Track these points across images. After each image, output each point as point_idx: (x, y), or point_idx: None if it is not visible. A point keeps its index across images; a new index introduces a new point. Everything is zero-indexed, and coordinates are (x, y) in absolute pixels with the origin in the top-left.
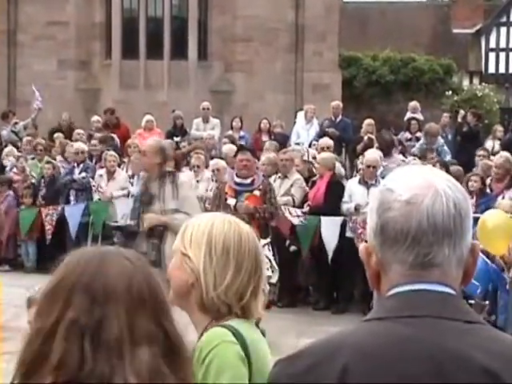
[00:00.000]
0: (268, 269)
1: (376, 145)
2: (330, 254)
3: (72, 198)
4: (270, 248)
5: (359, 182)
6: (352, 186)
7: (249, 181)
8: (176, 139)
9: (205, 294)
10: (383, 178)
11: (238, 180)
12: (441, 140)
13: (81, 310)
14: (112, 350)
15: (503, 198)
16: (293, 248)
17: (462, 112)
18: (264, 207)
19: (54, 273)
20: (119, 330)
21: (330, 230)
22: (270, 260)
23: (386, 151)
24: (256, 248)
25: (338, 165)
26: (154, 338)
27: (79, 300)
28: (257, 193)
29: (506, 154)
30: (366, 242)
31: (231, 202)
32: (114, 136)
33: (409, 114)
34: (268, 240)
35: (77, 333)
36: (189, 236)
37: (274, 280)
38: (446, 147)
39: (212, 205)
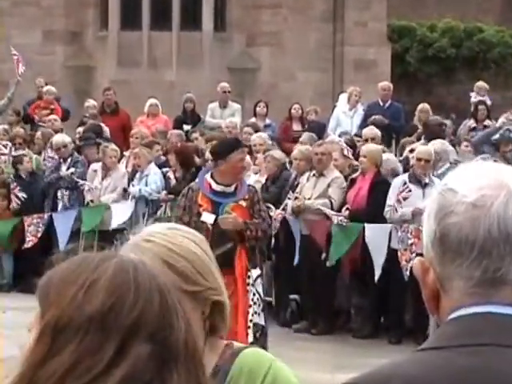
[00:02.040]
0: (257, 312)
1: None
2: (378, 271)
3: (60, 200)
4: (263, 281)
5: (410, 181)
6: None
7: (232, 189)
8: (186, 127)
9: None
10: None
11: (218, 188)
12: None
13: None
14: None
15: None
16: (330, 262)
17: None
18: (256, 222)
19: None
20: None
21: (376, 240)
22: (260, 297)
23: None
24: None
25: (392, 158)
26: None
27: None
28: (243, 203)
29: None
30: (421, 255)
31: (207, 218)
32: (103, 126)
33: (474, 97)
34: (259, 272)
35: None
36: (188, 267)
37: (262, 321)
38: None
39: (179, 219)
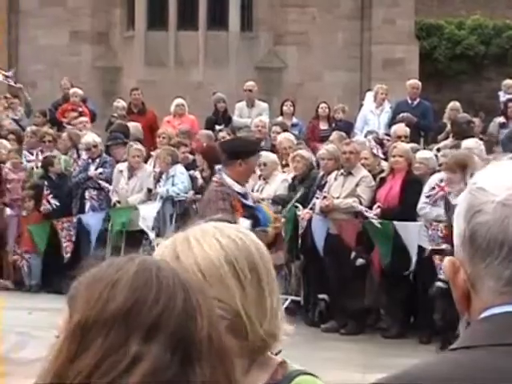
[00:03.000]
0: None
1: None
2: (412, 267)
3: (88, 201)
4: None
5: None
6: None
7: (245, 190)
8: (218, 128)
9: (251, 333)
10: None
11: (242, 190)
12: None
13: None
14: None
15: None
16: (360, 261)
17: None
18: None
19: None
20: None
21: (408, 238)
22: None
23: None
24: (270, 260)
25: (428, 155)
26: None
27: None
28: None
29: None
30: (449, 254)
31: (244, 223)
32: (135, 124)
33: (503, 96)
34: None
35: None
36: (193, 267)
37: None
38: None
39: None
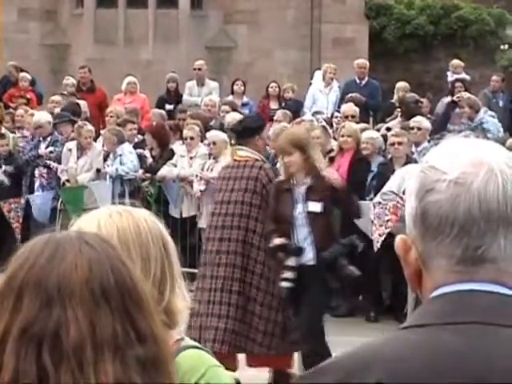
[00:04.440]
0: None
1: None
2: (376, 246)
3: (37, 179)
4: None
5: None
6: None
7: None
8: (168, 107)
9: None
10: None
11: None
12: (481, 115)
13: (32, 314)
14: (73, 361)
15: None
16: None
17: None
18: None
19: (4, 271)
20: (78, 336)
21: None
22: None
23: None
24: (161, 235)
25: (374, 135)
26: (122, 343)
27: (29, 301)
28: None
29: None
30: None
31: (315, 207)
32: (82, 103)
33: (451, 76)
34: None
35: (31, 343)
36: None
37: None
38: (491, 121)
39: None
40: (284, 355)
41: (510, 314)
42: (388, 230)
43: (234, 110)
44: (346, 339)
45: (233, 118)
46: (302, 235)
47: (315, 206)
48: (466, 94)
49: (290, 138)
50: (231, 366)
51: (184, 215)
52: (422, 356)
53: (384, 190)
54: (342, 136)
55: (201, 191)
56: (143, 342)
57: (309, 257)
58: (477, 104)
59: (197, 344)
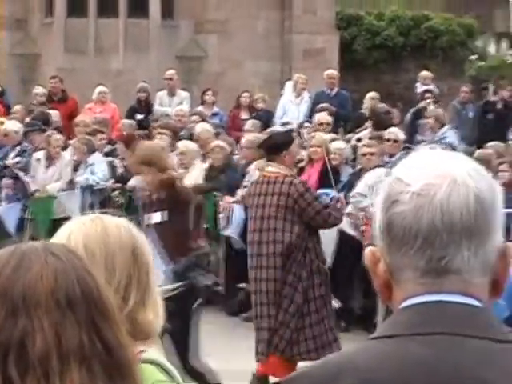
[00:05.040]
0: None
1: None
2: (329, 259)
3: (3, 190)
4: None
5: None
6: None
7: None
8: (139, 117)
9: None
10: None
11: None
12: (444, 130)
13: None
14: (38, 371)
15: None
16: None
17: (498, 86)
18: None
19: None
20: (44, 346)
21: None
22: None
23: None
24: (132, 243)
25: (342, 145)
26: (89, 353)
27: None
28: None
29: None
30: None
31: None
32: (54, 112)
33: (420, 86)
34: None
35: None
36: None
37: None
38: (451, 135)
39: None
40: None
41: (477, 325)
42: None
43: (203, 120)
44: None
45: (202, 128)
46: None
47: (156, 217)
48: (431, 107)
49: (140, 156)
50: None
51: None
52: (391, 367)
53: (351, 193)
54: (312, 146)
55: None
56: (109, 351)
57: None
58: (442, 118)
59: (156, 359)
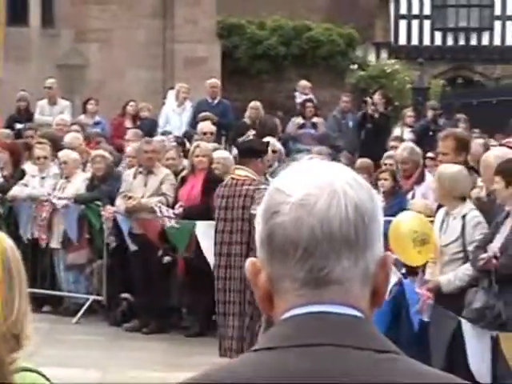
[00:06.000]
0: None
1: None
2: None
3: None
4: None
5: None
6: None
7: None
8: (19, 126)
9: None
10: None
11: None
12: None
13: None
14: None
15: (413, 196)
16: (167, 259)
17: (374, 97)
18: None
19: None
20: None
21: (208, 237)
22: None
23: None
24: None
25: (226, 155)
26: None
27: None
28: None
29: (409, 144)
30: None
31: None
32: None
33: (299, 97)
34: None
35: None
36: None
37: None
38: None
39: None
40: None
41: (358, 336)
42: None
43: (83, 129)
44: (197, 359)
45: (71, 137)
46: None
47: None
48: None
49: None
50: None
51: (35, 236)
52: (270, 379)
53: None
54: (197, 156)
55: (52, 211)
56: None
57: None
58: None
59: (28, 366)
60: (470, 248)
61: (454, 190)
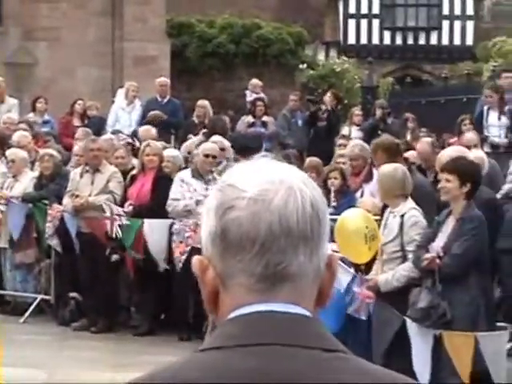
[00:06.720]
0: None
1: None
2: (161, 265)
3: None
4: None
5: (193, 176)
6: (186, 180)
7: None
8: None
9: None
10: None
11: None
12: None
13: None
14: None
15: (362, 194)
16: (115, 257)
17: (325, 97)
18: None
19: None
20: None
21: (157, 235)
22: None
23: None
24: None
25: (176, 153)
26: None
27: None
28: None
29: (359, 141)
30: (197, 250)
31: None
32: None
33: (250, 96)
34: None
35: None
36: None
37: None
38: None
39: None
40: None
41: (307, 335)
42: (189, 248)
43: (31, 127)
44: (146, 359)
45: (19, 136)
46: None
47: None
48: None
49: None
50: None
51: None
52: (215, 379)
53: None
54: (148, 155)
55: (1, 211)
56: None
57: None
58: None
59: None
60: (409, 247)
61: (393, 188)
